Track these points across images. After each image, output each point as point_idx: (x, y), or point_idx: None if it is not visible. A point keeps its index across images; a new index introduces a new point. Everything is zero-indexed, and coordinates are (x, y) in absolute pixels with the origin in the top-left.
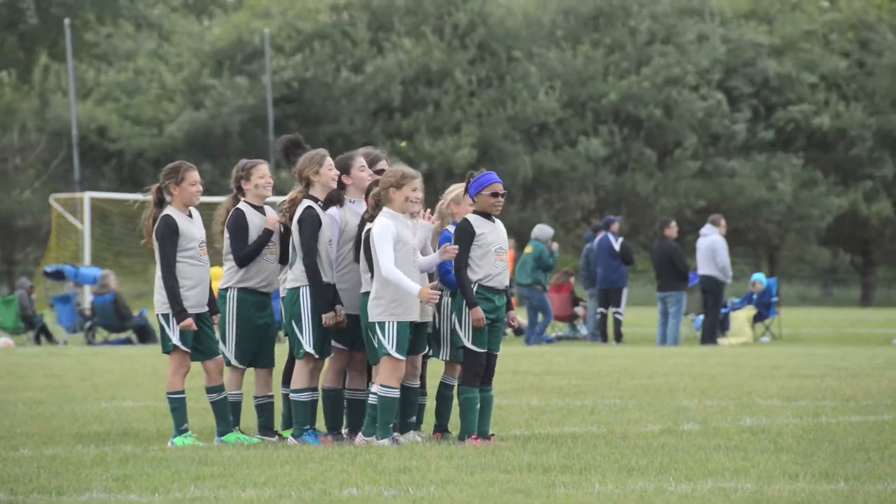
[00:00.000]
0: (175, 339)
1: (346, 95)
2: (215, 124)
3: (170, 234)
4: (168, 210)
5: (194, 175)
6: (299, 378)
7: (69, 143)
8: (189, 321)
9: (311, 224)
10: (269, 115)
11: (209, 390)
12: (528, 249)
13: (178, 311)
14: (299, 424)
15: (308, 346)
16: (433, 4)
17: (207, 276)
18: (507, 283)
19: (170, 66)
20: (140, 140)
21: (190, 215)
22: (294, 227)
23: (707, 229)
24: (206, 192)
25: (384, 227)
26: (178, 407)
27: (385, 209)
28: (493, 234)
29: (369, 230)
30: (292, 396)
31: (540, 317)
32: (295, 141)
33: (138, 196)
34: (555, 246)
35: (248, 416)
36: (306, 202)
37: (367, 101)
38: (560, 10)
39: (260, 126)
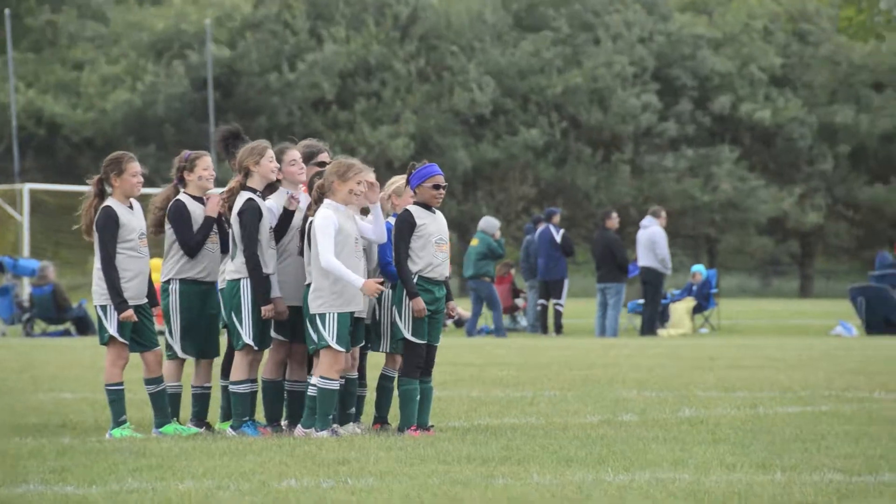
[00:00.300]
0: (112, 331)
1: (283, 88)
2: (151, 110)
3: (110, 226)
4: (109, 201)
5: (135, 166)
6: (239, 370)
7: (9, 133)
8: (129, 312)
9: (251, 215)
10: (210, 106)
11: (148, 382)
12: (475, 242)
13: (119, 302)
14: (238, 416)
15: (248, 337)
16: None
17: (147, 267)
18: (447, 274)
19: (110, 56)
20: (79, 126)
21: (131, 207)
22: (234, 218)
23: (647, 221)
24: (149, 182)
25: (326, 219)
26: (116, 399)
27: (327, 200)
28: (433, 225)
29: (312, 222)
30: (232, 388)
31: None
32: (234, 132)
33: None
34: (498, 235)
35: (188, 408)
36: (246, 193)
37: (305, 92)
38: (500, 5)
39: (193, 115)
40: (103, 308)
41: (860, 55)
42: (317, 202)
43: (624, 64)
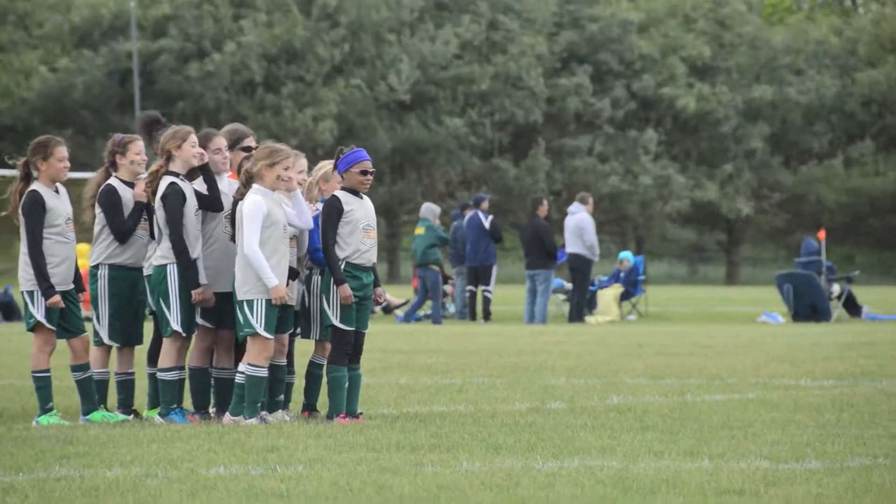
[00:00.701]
0: (39, 317)
1: (206, 74)
2: (68, 96)
3: (36, 210)
4: (35, 185)
5: (62, 150)
6: (167, 357)
7: None
8: (57, 298)
9: (175, 199)
10: (136, 91)
11: (74, 368)
12: (420, 230)
13: (46, 287)
14: (166, 403)
15: (175, 324)
16: None
17: (74, 253)
18: (374, 260)
19: (31, 40)
20: None
21: (57, 191)
22: (158, 203)
23: (575, 207)
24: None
25: (254, 205)
26: (42, 385)
27: (256, 186)
28: (361, 211)
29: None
30: (160, 375)
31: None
32: (154, 118)
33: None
34: (437, 221)
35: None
36: (169, 178)
37: (231, 76)
38: None
39: (112, 102)
40: (30, 294)
41: (781, 39)
42: (245, 186)
43: (545, 49)
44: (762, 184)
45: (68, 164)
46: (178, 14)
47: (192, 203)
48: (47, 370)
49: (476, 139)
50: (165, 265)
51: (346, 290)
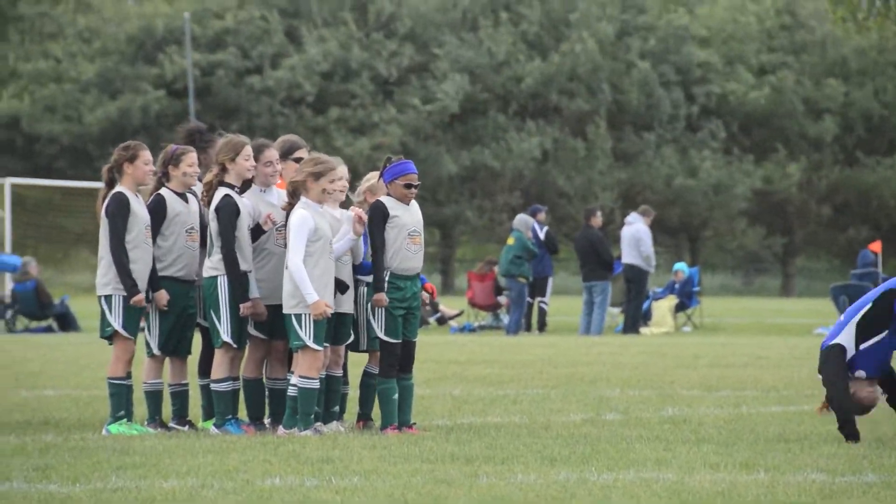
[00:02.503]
0: (117, 325)
1: (262, 91)
2: (129, 117)
3: (121, 211)
4: (119, 188)
5: (147, 154)
6: (220, 368)
7: None
8: (141, 296)
9: (228, 212)
10: (191, 104)
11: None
12: (511, 241)
13: (130, 285)
14: (221, 414)
15: (226, 335)
16: None
17: (151, 258)
18: (419, 267)
19: (89, 51)
20: (56, 129)
21: (137, 196)
22: (211, 214)
23: (633, 217)
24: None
25: (301, 220)
26: (116, 392)
27: (303, 199)
28: (407, 216)
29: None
30: (213, 387)
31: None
32: (199, 129)
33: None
34: (529, 233)
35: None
36: (223, 190)
37: (286, 94)
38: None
39: (171, 120)
40: (107, 298)
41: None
42: (291, 197)
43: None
44: (824, 179)
45: (153, 168)
46: (237, 28)
47: (245, 215)
48: (124, 377)
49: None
50: (216, 276)
51: (383, 296)
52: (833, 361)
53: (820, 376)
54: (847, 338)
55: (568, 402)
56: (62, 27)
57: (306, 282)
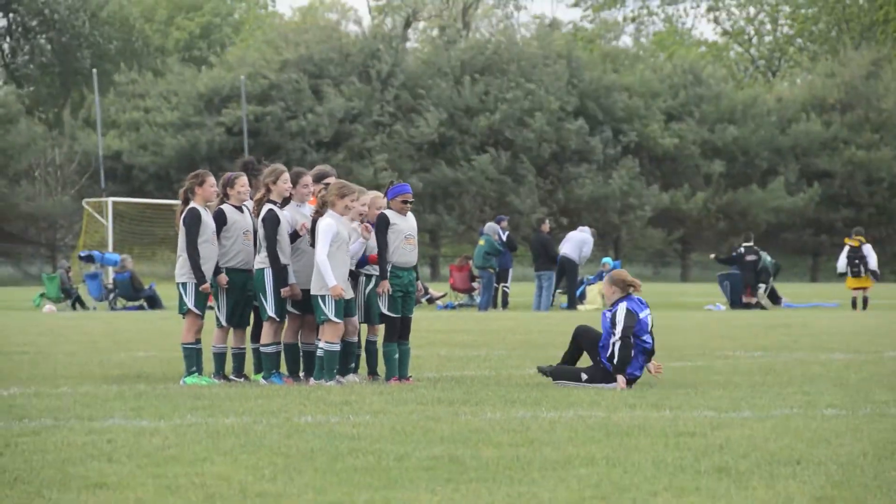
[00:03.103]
0: (190, 305)
1: (296, 133)
2: (196, 150)
3: (195, 222)
4: (193, 204)
5: (212, 179)
6: (266, 335)
7: (97, 162)
8: (206, 286)
9: (272, 222)
10: (245, 144)
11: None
12: (482, 242)
13: (200, 277)
14: (268, 370)
15: (271, 311)
16: (359, 56)
17: (216, 254)
18: (414, 262)
19: (169, 105)
20: (145, 161)
21: (207, 209)
22: (259, 223)
23: (583, 228)
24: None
25: (328, 226)
26: (188, 354)
27: (330, 211)
28: (404, 224)
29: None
30: (262, 349)
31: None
32: (249, 161)
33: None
34: (495, 236)
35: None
36: (268, 205)
37: (313, 136)
38: (454, 58)
39: (229, 153)
40: (183, 285)
41: (739, 96)
42: (320, 208)
43: (552, 101)
44: (713, 200)
45: (217, 188)
46: (279, 85)
47: (284, 223)
48: (194, 343)
49: (497, 173)
50: (263, 269)
51: (386, 284)
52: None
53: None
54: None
55: (524, 360)
56: (148, 89)
57: (329, 271)
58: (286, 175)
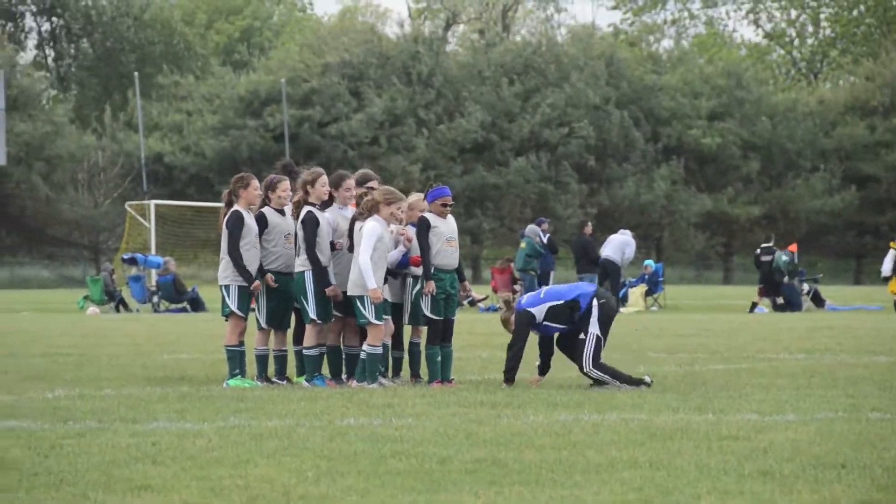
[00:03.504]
0: (233, 307)
1: (336, 136)
2: (237, 153)
3: (238, 225)
4: (237, 207)
5: (256, 182)
6: (309, 338)
7: (139, 164)
8: (258, 283)
9: (311, 224)
10: (286, 147)
11: (241, 345)
12: (522, 244)
13: (248, 277)
14: (310, 372)
15: (313, 314)
16: (399, 59)
17: (258, 257)
18: (455, 264)
19: (210, 107)
20: (186, 163)
21: (249, 213)
22: (298, 225)
23: (623, 231)
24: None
25: (373, 229)
26: (232, 357)
27: (375, 216)
28: (444, 227)
29: (359, 228)
30: (305, 351)
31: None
32: (288, 164)
33: None
34: (537, 238)
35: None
36: (307, 207)
37: (353, 138)
38: (494, 61)
39: (269, 156)
40: (226, 287)
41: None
42: (362, 214)
43: (592, 98)
44: (755, 202)
45: (260, 192)
46: (319, 90)
47: (324, 225)
48: (237, 345)
49: (538, 177)
50: (304, 271)
51: (431, 284)
52: (523, 323)
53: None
54: (539, 311)
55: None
56: (190, 92)
57: (370, 274)
58: (325, 178)
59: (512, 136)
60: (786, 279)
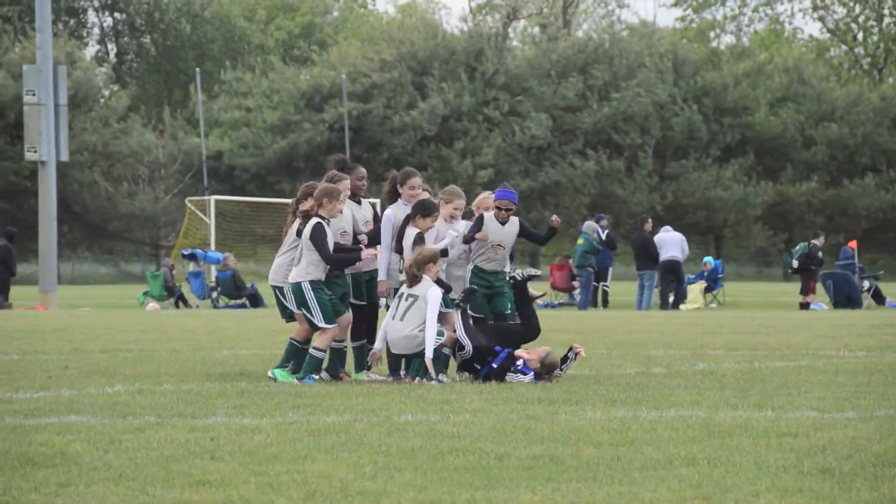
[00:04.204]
0: (321, 322)
1: (399, 129)
2: (295, 150)
3: (322, 235)
4: (317, 219)
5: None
6: (321, 341)
7: (199, 160)
8: (370, 252)
9: (320, 232)
10: (347, 142)
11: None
12: (580, 241)
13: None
14: (307, 371)
15: (320, 322)
16: (463, 55)
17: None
18: (501, 268)
19: (271, 103)
20: (246, 162)
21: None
22: (307, 237)
23: (667, 228)
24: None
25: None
26: (293, 350)
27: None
28: (497, 233)
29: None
30: (312, 351)
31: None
32: (342, 158)
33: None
34: (594, 235)
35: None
36: (316, 218)
37: (416, 133)
38: (556, 57)
39: (330, 151)
40: (280, 289)
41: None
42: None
43: (663, 94)
44: (815, 196)
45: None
46: (381, 83)
47: (330, 237)
48: (302, 342)
49: (600, 174)
50: (300, 283)
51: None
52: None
53: None
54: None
55: (624, 360)
56: (251, 87)
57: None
58: (342, 196)
59: (577, 133)
60: (795, 264)
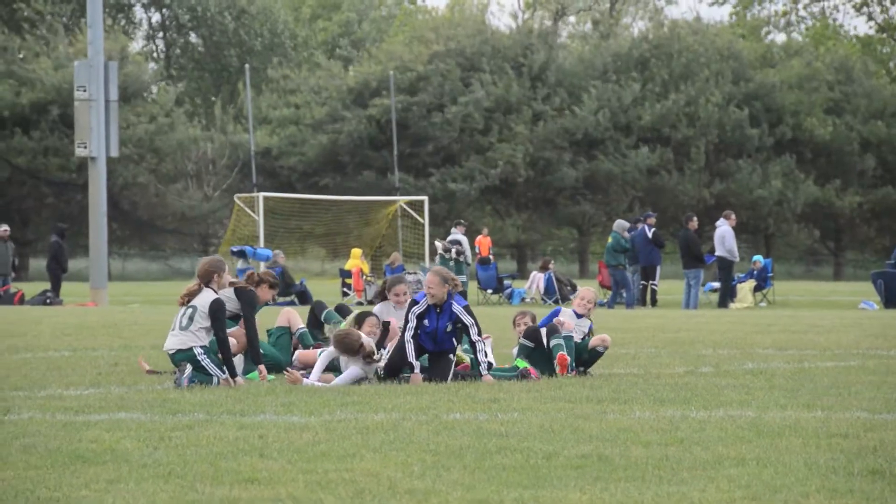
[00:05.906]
0: None
1: (444, 122)
2: (338, 145)
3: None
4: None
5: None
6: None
7: (247, 157)
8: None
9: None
10: (394, 136)
11: None
12: (609, 240)
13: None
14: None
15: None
16: (512, 49)
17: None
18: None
19: (319, 98)
20: (293, 161)
21: None
22: (211, 307)
23: (720, 222)
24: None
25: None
26: None
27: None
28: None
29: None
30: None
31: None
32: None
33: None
34: (626, 234)
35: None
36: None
37: (459, 124)
38: (611, 54)
39: (373, 146)
40: None
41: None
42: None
43: (718, 95)
44: (865, 197)
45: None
46: (427, 76)
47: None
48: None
49: (655, 168)
50: (192, 347)
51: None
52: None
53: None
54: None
55: (673, 358)
56: (299, 84)
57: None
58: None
59: (630, 127)
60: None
